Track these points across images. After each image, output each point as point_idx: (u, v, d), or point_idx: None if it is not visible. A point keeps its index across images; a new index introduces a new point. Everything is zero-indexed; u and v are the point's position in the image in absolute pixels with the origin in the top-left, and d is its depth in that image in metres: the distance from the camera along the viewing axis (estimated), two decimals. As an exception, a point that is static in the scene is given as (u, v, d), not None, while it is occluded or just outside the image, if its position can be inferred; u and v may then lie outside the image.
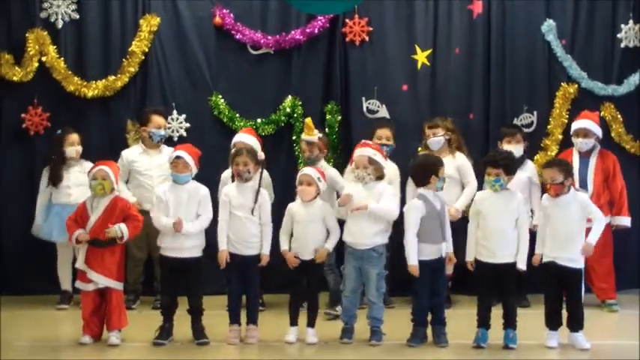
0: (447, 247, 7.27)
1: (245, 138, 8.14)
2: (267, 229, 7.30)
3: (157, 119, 8.76)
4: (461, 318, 7.62)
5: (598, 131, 8.70)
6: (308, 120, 8.44)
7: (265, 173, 8.11)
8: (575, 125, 8.78)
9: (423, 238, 7.13)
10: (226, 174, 7.97)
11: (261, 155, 7.61)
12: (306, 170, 7.44)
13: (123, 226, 7.01)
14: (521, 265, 6.99)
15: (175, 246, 7.10)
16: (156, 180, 8.40)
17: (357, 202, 7.18)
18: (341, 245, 7.48)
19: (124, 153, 8.77)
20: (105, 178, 7.07)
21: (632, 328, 7.84)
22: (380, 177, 7.32)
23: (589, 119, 8.75)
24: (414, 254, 7.09)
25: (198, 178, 7.35)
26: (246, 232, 7.24)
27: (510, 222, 7.01)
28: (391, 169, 8.35)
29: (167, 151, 8.40)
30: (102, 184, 7.05)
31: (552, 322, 7.16)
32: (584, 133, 8.64)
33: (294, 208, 7.42)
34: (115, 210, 7.09)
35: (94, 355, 6.99)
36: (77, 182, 8.57)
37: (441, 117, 8.92)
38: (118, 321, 7.08)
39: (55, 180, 8.60)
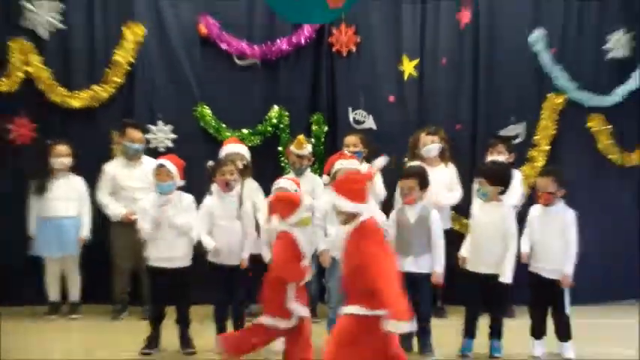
0: (436, 266, 7.23)
1: (237, 148, 8.26)
2: (250, 237, 7.36)
3: (132, 133, 8.76)
4: (448, 328, 7.65)
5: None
6: (301, 137, 8.59)
7: (255, 183, 8.26)
8: None
9: (394, 247, 7.16)
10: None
11: (238, 165, 7.66)
12: (282, 183, 7.40)
13: None
14: (504, 279, 6.97)
15: (164, 256, 7.10)
16: (138, 192, 8.38)
17: None
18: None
19: (106, 167, 8.83)
20: None
21: (630, 338, 7.92)
22: None
23: None
24: None
25: (184, 189, 7.37)
26: (230, 240, 7.26)
27: (495, 233, 7.01)
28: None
29: (148, 162, 8.46)
30: None
31: (537, 332, 7.27)
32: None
33: (274, 222, 7.30)
34: None
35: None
36: (63, 195, 8.64)
37: (436, 127, 8.95)
38: None
39: (40, 191, 8.59)
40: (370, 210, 5.77)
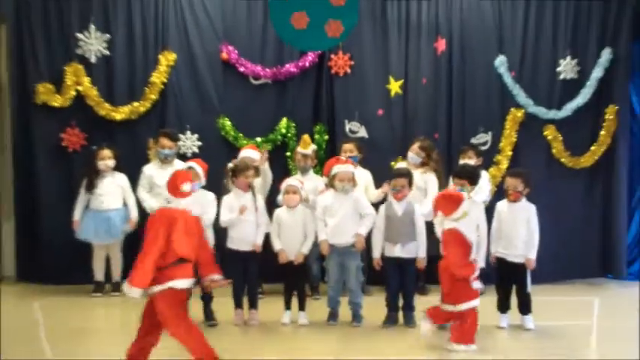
0: (420, 251, 7.81)
1: (251, 153, 8.82)
2: (262, 227, 7.98)
3: (162, 140, 9.31)
4: (429, 304, 7.79)
5: None
6: (306, 136, 9.23)
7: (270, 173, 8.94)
8: None
9: (384, 236, 7.89)
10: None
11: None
12: (290, 181, 8.16)
13: None
14: (481, 264, 7.53)
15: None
16: None
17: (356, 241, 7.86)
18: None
19: (145, 168, 9.43)
20: None
21: (580, 311, 8.69)
22: (354, 185, 8.02)
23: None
24: (375, 249, 7.85)
25: (206, 188, 8.02)
26: (245, 231, 7.91)
27: (470, 227, 7.31)
28: (367, 174, 9.23)
29: (179, 165, 8.87)
30: None
31: (503, 307, 7.93)
32: None
33: (281, 214, 8.00)
34: None
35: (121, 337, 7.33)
36: (108, 191, 9.42)
37: (428, 140, 9.47)
38: None
39: (89, 188, 9.37)
40: (180, 204, 6.13)
